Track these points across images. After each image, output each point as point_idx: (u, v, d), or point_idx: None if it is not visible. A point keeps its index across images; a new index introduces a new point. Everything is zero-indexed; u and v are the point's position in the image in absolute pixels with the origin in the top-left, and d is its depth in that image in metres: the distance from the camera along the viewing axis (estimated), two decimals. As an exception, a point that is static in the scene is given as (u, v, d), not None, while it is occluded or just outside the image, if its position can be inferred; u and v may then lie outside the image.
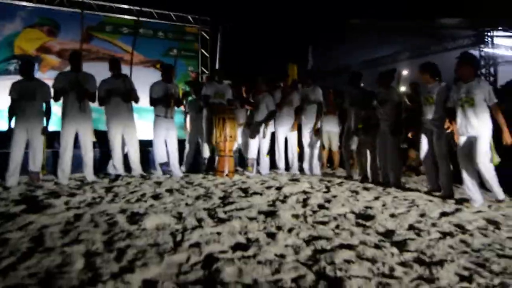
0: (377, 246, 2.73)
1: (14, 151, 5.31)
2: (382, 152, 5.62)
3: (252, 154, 6.69)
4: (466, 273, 2.28)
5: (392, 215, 3.68)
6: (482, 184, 4.42)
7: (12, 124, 5.38)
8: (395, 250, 2.65)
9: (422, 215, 3.71)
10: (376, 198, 4.49)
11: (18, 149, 5.34)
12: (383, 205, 4.14)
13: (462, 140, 4.40)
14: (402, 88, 7.74)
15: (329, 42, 12.60)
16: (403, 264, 2.40)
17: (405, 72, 9.30)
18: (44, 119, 5.54)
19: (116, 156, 5.93)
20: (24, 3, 9.32)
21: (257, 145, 6.68)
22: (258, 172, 6.67)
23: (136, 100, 6.08)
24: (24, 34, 9.38)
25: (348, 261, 2.43)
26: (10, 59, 9.09)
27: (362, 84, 6.47)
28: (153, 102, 6.15)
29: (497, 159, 4.26)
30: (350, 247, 2.71)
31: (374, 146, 5.75)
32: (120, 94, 5.87)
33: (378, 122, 5.63)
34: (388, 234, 3.08)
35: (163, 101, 6.09)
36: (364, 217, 3.60)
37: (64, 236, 2.90)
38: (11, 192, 4.69)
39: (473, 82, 4.31)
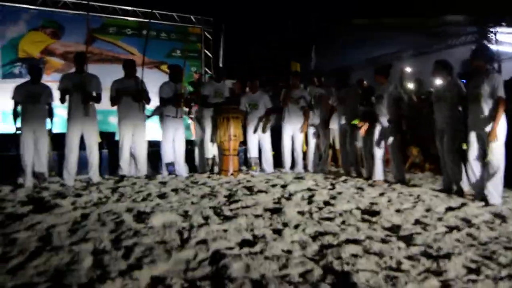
0: (383, 241, 2.74)
1: (24, 153, 5.44)
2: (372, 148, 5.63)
3: (253, 153, 6.69)
4: (473, 265, 2.28)
5: (398, 211, 3.68)
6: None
7: (18, 124, 5.49)
8: (401, 244, 2.66)
9: (428, 210, 3.71)
10: (381, 194, 4.49)
11: (27, 151, 5.45)
12: (389, 201, 4.14)
13: (472, 136, 4.36)
14: (409, 85, 7.69)
15: (332, 40, 12.56)
16: (410, 257, 2.41)
17: (409, 70, 9.27)
18: (48, 121, 5.65)
19: (123, 156, 5.95)
20: (28, 6, 9.37)
21: (256, 144, 6.66)
22: (262, 170, 6.66)
23: (148, 101, 6.11)
24: (28, 37, 9.42)
25: (355, 256, 2.44)
26: (14, 62, 9.14)
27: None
28: (163, 102, 6.18)
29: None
30: (356, 242, 2.72)
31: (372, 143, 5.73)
32: (131, 94, 5.91)
33: (376, 118, 5.60)
34: (394, 229, 3.08)
35: (172, 101, 6.11)
36: (369, 213, 3.60)
37: (72, 235, 2.92)
38: (18, 194, 4.72)
39: (484, 76, 4.25)
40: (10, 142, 6.53)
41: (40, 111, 5.56)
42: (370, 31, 11.54)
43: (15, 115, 5.53)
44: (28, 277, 2.23)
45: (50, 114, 5.73)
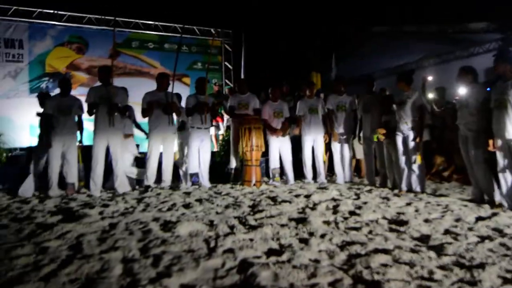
0: (413, 251, 2.69)
1: (52, 165, 5.60)
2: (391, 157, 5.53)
3: (274, 163, 6.66)
4: (509, 275, 2.22)
5: (426, 220, 3.61)
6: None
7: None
8: (432, 254, 2.60)
9: (457, 220, 3.62)
10: (408, 204, 4.41)
11: (56, 162, 5.61)
12: (416, 211, 4.06)
13: (499, 144, 4.24)
14: (430, 95, 7.58)
15: (352, 50, 12.52)
16: (442, 267, 2.36)
17: (430, 78, 9.15)
18: (78, 133, 5.84)
19: (151, 167, 6.00)
20: (55, 22, 9.69)
21: (278, 154, 6.62)
22: (284, 181, 6.63)
23: (178, 113, 6.22)
24: (55, 53, 9.74)
25: (384, 265, 2.40)
26: (42, 77, 9.43)
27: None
28: (188, 112, 6.28)
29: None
30: (385, 251, 2.68)
31: (393, 151, 5.64)
32: (161, 107, 5.99)
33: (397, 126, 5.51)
34: (423, 238, 3.02)
35: (197, 112, 6.20)
36: (397, 223, 3.54)
37: (101, 244, 2.97)
38: (47, 204, 4.83)
39: (509, 81, 4.14)
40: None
41: (71, 123, 5.73)
42: (390, 39, 11.46)
43: (42, 126, 5.70)
44: (60, 284, 2.27)
45: (80, 127, 5.91)
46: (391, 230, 3.31)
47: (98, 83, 5.99)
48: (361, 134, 6.50)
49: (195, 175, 6.23)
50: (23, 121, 5.75)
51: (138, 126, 6.73)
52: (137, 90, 6.24)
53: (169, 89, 6.15)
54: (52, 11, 9.68)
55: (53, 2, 9.79)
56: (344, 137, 6.68)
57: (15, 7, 9.19)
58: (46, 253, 2.82)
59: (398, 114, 5.49)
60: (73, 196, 5.43)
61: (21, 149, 7.57)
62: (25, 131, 8.42)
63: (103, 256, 2.67)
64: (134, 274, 2.36)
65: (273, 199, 4.86)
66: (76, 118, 5.86)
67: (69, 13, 9.91)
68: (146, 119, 6.10)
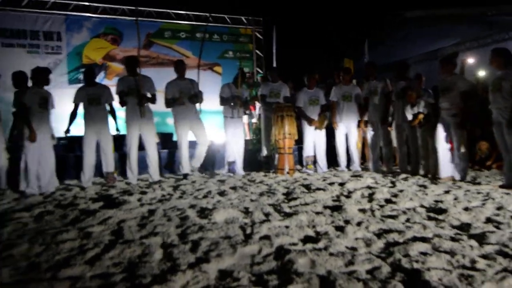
0: (453, 239, 2.63)
1: (86, 154, 5.66)
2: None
3: (308, 151, 6.64)
4: (557, 266, 2.13)
5: (466, 209, 3.51)
6: None
7: (71, 128, 5.76)
8: (474, 243, 2.53)
9: (499, 208, 3.50)
10: (447, 192, 4.30)
11: (90, 152, 5.68)
12: (455, 199, 3.96)
13: None
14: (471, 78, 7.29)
15: (385, 35, 12.19)
16: (484, 256, 2.29)
17: (470, 61, 8.80)
18: (111, 120, 5.87)
19: (183, 156, 6.09)
20: (91, 15, 9.93)
21: (312, 142, 6.58)
22: (316, 169, 6.60)
23: (201, 101, 6.26)
24: (91, 44, 9.99)
25: (424, 254, 2.36)
26: (79, 68, 9.69)
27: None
28: (222, 101, 6.38)
29: None
30: (424, 240, 2.63)
31: (431, 139, 5.48)
32: (186, 96, 6.04)
33: (437, 113, 5.34)
34: (464, 227, 2.95)
35: (229, 102, 6.29)
36: (435, 211, 3.47)
37: (141, 229, 3.06)
38: (88, 191, 5.02)
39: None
40: (78, 143, 6.92)
41: (102, 112, 5.74)
42: (425, 23, 11.07)
43: (73, 117, 5.75)
44: (104, 267, 2.36)
45: (113, 114, 5.90)
46: (429, 218, 3.24)
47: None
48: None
49: (233, 162, 6.32)
50: (63, 111, 5.92)
51: None
52: (170, 80, 6.33)
53: (195, 77, 6.19)
54: (87, 4, 9.91)
55: (88, -5, 9.99)
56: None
57: (52, 1, 9.46)
58: (90, 237, 2.94)
59: (441, 100, 5.30)
60: (113, 183, 5.60)
61: (60, 138, 7.83)
62: (65, 121, 8.74)
63: (143, 241, 2.76)
64: (174, 259, 2.43)
65: (307, 187, 4.85)
66: (108, 107, 5.86)
67: (104, 5, 10.12)
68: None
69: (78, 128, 6.01)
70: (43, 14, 9.47)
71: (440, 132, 5.26)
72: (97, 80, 9.02)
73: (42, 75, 5.37)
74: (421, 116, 5.57)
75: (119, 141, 6.43)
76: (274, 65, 9.82)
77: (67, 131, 5.74)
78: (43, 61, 9.14)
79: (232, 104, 6.31)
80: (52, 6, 9.52)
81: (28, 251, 2.68)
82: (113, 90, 5.92)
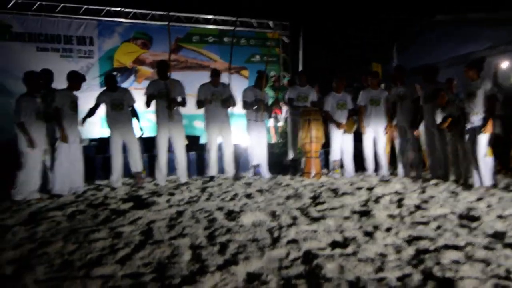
0: (487, 248, 2.55)
1: (113, 156, 5.79)
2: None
3: (335, 155, 6.58)
4: None
5: (500, 216, 3.40)
6: None
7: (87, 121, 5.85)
8: (509, 252, 2.46)
9: (536, 217, 3.38)
10: (479, 199, 4.17)
11: (117, 154, 5.80)
12: (488, 206, 3.83)
13: None
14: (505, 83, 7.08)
15: (414, 39, 11.98)
16: (521, 266, 2.22)
17: (504, 65, 8.53)
18: (135, 122, 5.94)
19: (211, 158, 6.17)
20: (122, 20, 10.17)
21: (339, 146, 6.51)
22: (343, 174, 6.52)
23: (234, 104, 6.34)
24: (122, 48, 10.20)
25: (456, 262, 2.31)
26: (110, 72, 9.93)
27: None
28: (245, 105, 6.40)
29: None
30: (456, 248, 2.57)
31: (461, 144, 5.33)
32: (218, 99, 6.13)
33: (464, 117, 5.19)
34: (498, 235, 2.86)
35: (253, 106, 6.32)
36: (468, 218, 3.38)
37: (170, 230, 3.12)
38: (118, 192, 5.13)
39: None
40: (107, 144, 7.09)
41: (126, 116, 5.83)
42: (455, 27, 10.83)
43: (91, 113, 5.80)
44: (135, 267, 2.42)
45: (135, 116, 5.97)
46: (461, 225, 3.16)
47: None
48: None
49: (258, 166, 6.35)
50: (94, 113, 6.08)
51: None
52: (197, 84, 6.42)
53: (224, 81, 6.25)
54: (118, 9, 10.16)
55: (120, 0, 10.24)
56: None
57: (85, 6, 9.74)
58: (120, 237, 3.01)
59: (467, 105, 5.18)
60: (142, 184, 5.70)
61: (92, 140, 8.03)
62: (96, 123, 8.96)
63: (172, 242, 2.80)
64: (203, 260, 2.46)
65: (334, 191, 4.81)
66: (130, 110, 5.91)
67: (135, 10, 10.35)
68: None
69: (107, 130, 6.15)
70: (77, 19, 9.76)
71: (469, 138, 5.11)
72: (127, 83, 9.29)
73: (77, 81, 5.51)
74: (450, 120, 5.44)
75: (149, 143, 6.54)
76: (301, 69, 9.79)
77: (83, 121, 5.79)
78: (76, 64, 9.40)
79: (255, 107, 6.33)
80: (85, 11, 9.80)
81: (62, 249, 2.77)
82: (142, 92, 6.06)
